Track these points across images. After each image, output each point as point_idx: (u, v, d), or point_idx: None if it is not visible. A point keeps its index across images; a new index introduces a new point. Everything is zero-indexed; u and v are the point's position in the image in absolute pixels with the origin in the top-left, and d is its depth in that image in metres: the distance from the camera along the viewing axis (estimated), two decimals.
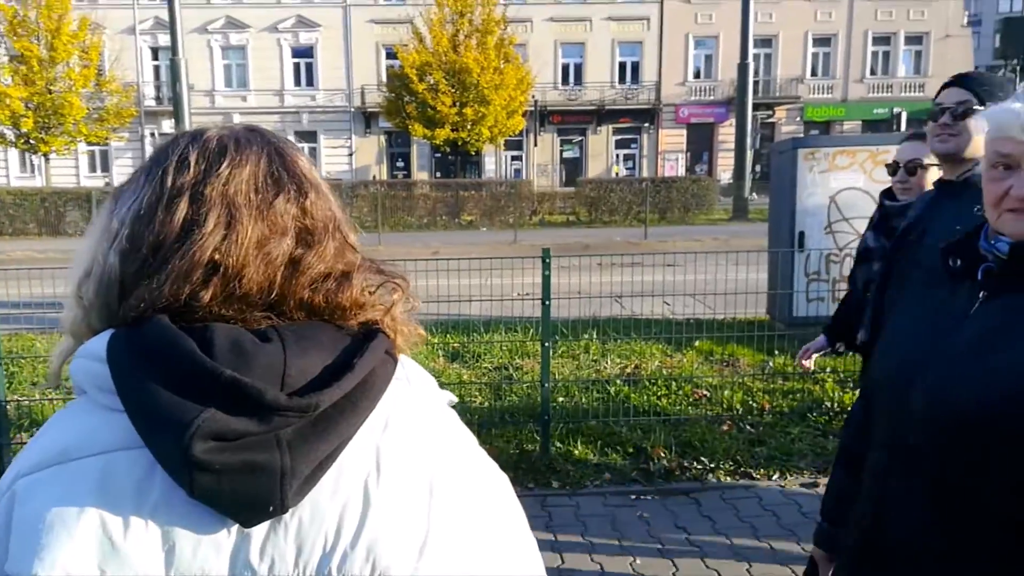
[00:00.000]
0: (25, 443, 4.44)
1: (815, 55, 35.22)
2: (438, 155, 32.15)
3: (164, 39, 29.99)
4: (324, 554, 0.67)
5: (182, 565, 0.66)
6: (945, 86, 2.32)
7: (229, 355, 0.67)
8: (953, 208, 2.27)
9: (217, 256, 0.71)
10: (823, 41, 35.08)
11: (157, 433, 0.65)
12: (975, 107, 2.22)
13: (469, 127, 26.81)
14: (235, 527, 0.67)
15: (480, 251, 13.27)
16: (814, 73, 35.37)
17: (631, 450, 4.47)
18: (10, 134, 25.20)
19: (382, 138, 34.02)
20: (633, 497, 3.96)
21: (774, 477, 4.08)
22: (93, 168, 33.84)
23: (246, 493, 0.65)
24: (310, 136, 33.99)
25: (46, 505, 0.66)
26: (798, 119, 35.05)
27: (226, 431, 0.64)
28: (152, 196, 0.75)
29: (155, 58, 33.60)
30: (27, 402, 4.96)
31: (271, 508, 0.66)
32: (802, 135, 30.83)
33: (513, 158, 34.60)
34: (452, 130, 26.81)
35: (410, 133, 28.29)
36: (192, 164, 0.75)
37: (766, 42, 33.76)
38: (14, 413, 4.39)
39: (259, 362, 0.67)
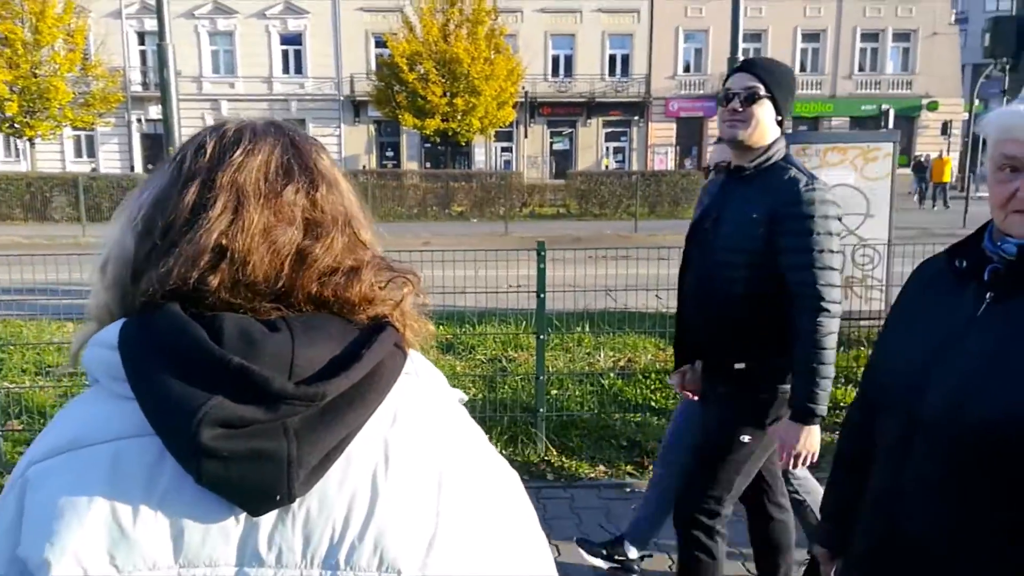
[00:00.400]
0: (16, 430, 4.43)
1: (804, 51, 35.31)
2: (428, 145, 32.01)
3: (150, 24, 29.58)
4: (332, 545, 0.68)
5: (191, 552, 0.67)
6: (733, 71, 2.35)
7: (238, 343, 0.68)
8: (745, 195, 2.29)
9: (224, 241, 0.72)
10: (812, 37, 35.17)
11: (166, 420, 0.66)
12: (761, 94, 2.24)
13: (459, 118, 26.71)
14: (243, 516, 0.68)
15: (471, 242, 13.26)
16: (803, 69, 35.45)
17: (625, 443, 4.50)
18: None
19: (371, 127, 33.80)
20: (628, 490, 3.99)
21: None
22: (79, 153, 33.38)
23: (253, 481, 0.66)
24: (298, 124, 33.68)
25: (57, 492, 0.67)
26: None
27: (233, 418, 0.65)
28: (169, 181, 0.77)
29: (141, 43, 33.11)
30: (17, 389, 4.92)
31: (278, 497, 0.66)
32: (791, 131, 30.95)
33: (503, 149, 34.52)
34: (442, 120, 26.70)
35: (400, 123, 28.16)
36: (208, 151, 0.77)
37: (756, 37, 33.79)
38: (4, 400, 4.35)
39: (267, 351, 0.68)
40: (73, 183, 20.44)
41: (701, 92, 34.96)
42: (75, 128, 28.04)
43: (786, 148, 2.31)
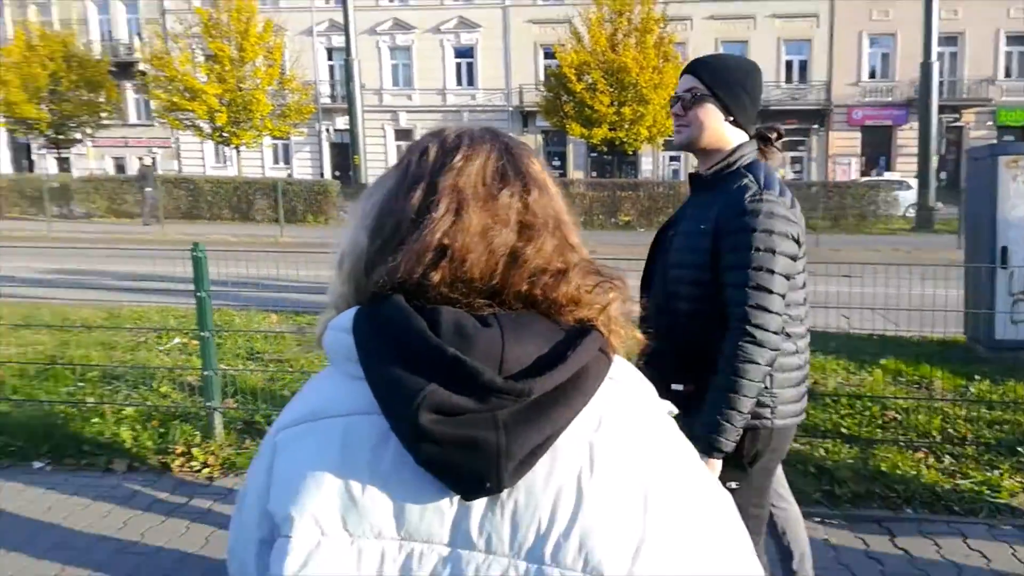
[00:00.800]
0: (232, 408, 4.88)
1: (1008, 55, 32.05)
2: (594, 154, 32.10)
3: (338, 40, 31.92)
4: (538, 538, 0.69)
5: (411, 527, 0.71)
6: (682, 73, 2.15)
7: (454, 336, 0.71)
8: (701, 203, 2.09)
9: (446, 240, 0.76)
10: (1018, 39, 31.83)
11: (390, 401, 0.71)
12: (700, 94, 2.05)
13: (627, 127, 26.54)
14: (457, 499, 0.71)
15: (638, 251, 13.07)
16: (1008, 74, 32.17)
17: (813, 470, 4.25)
18: (206, 128, 27.64)
19: (539, 137, 34.40)
20: (817, 520, 3.76)
21: (980, 515, 3.74)
22: (276, 160, 36.45)
23: (465, 466, 0.69)
24: None
25: (299, 457, 0.75)
26: (989, 123, 32.00)
27: (447, 405, 0.68)
28: (396, 183, 0.83)
29: (330, 58, 35.74)
30: (232, 371, 5.45)
31: (488, 484, 0.69)
32: (995, 141, 28.10)
33: (671, 159, 33.92)
34: (610, 129, 26.65)
35: (567, 132, 28.41)
36: (431, 156, 0.82)
37: (951, 40, 31.03)
38: (222, 381, 4.82)
39: (479, 345, 0.71)
40: (272, 187, 22.50)
41: (889, 99, 32.64)
42: (273, 137, 30.73)
43: (756, 154, 2.11)
